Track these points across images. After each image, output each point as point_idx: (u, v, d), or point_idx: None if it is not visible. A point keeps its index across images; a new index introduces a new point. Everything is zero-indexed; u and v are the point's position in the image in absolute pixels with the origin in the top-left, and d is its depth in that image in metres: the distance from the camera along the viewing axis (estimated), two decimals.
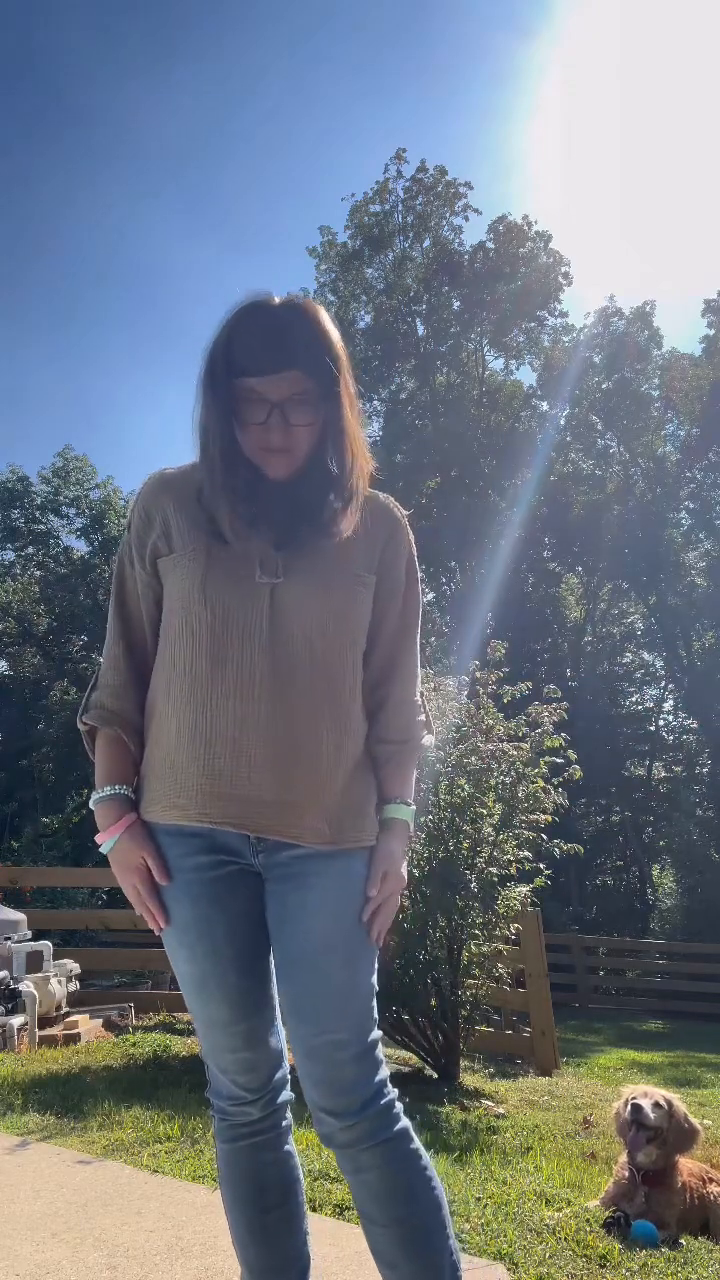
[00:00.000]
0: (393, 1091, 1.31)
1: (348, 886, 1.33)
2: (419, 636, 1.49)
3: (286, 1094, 1.44)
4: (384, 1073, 1.31)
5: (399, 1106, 1.31)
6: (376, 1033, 1.32)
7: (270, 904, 1.34)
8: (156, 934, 1.38)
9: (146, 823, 1.37)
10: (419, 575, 1.49)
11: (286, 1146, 1.44)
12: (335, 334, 1.31)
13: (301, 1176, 1.47)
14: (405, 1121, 1.31)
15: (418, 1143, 1.31)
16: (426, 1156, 1.31)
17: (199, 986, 1.34)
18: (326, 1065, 1.28)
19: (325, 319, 1.31)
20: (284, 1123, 1.44)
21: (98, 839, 1.38)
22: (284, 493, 1.34)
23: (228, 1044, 1.36)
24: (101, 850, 1.38)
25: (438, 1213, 1.28)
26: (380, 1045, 1.33)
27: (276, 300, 1.30)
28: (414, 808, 1.43)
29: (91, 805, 1.41)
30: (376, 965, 1.37)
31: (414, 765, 1.46)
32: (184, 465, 1.43)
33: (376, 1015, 1.33)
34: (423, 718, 1.47)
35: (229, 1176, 1.42)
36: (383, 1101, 1.28)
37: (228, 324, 1.30)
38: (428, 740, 1.48)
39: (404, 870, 1.41)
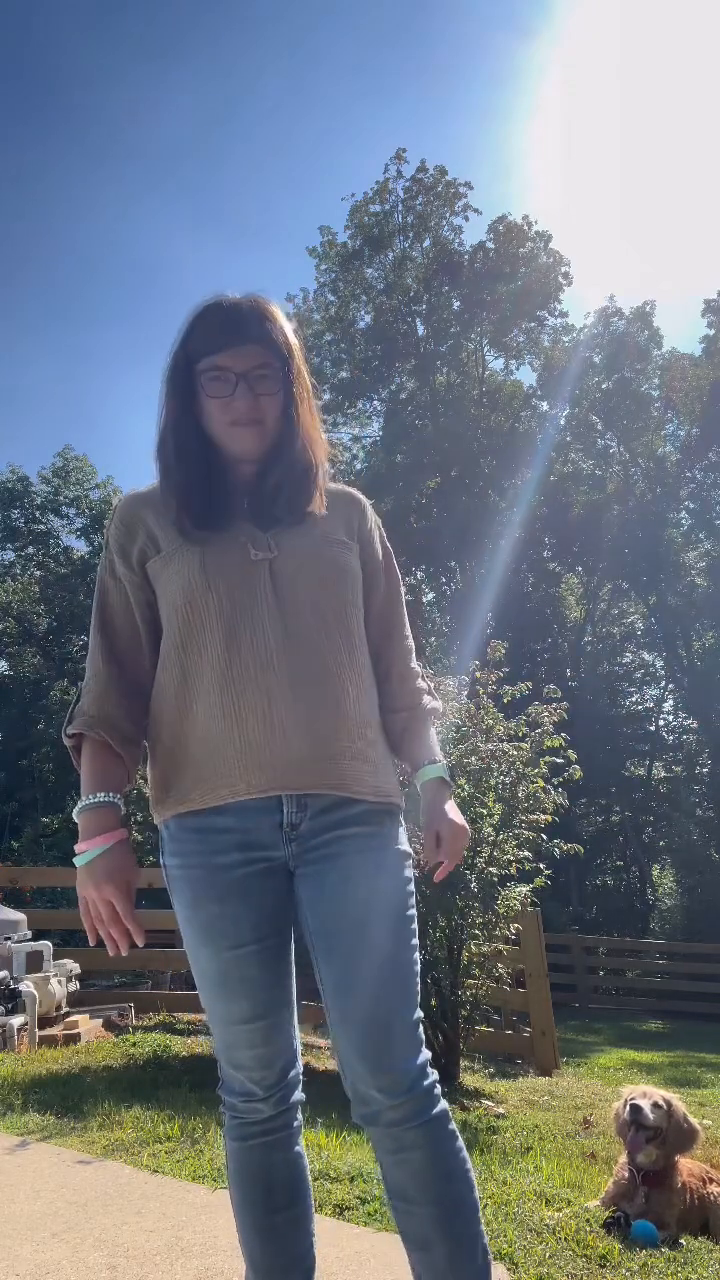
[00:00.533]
0: (434, 1073, 1.31)
1: (387, 859, 1.35)
2: (405, 610, 1.56)
3: (299, 1094, 1.43)
4: (426, 1053, 1.31)
5: (439, 1089, 1.31)
6: (420, 1012, 1.32)
7: (306, 887, 1.34)
8: (113, 954, 1.34)
9: (169, 823, 1.38)
10: (392, 552, 1.56)
11: (297, 1148, 1.43)
12: (287, 324, 1.38)
13: (309, 1179, 1.46)
14: (445, 1104, 1.30)
15: (453, 1123, 1.31)
16: (461, 1140, 1.32)
17: (220, 982, 1.34)
18: (378, 1039, 1.26)
19: (277, 310, 1.38)
20: (295, 1123, 1.43)
21: (79, 847, 1.32)
22: (255, 482, 1.40)
23: (246, 1040, 1.35)
24: (82, 859, 1.31)
25: (472, 1194, 1.29)
26: (422, 1026, 1.33)
27: (235, 295, 1.37)
28: (444, 763, 1.47)
29: (76, 815, 1.36)
30: (418, 944, 1.36)
31: (430, 728, 1.50)
32: (154, 485, 1.47)
33: (419, 994, 1.33)
34: (424, 684, 1.53)
35: (238, 1175, 1.41)
36: (426, 1081, 1.28)
37: (186, 322, 1.37)
38: (434, 704, 1.52)
39: (460, 818, 1.45)
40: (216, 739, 1.33)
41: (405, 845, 1.41)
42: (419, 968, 1.34)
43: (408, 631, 1.54)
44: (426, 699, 1.51)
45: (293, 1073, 1.41)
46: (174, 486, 1.38)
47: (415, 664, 1.54)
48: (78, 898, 1.34)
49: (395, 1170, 1.29)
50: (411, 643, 1.55)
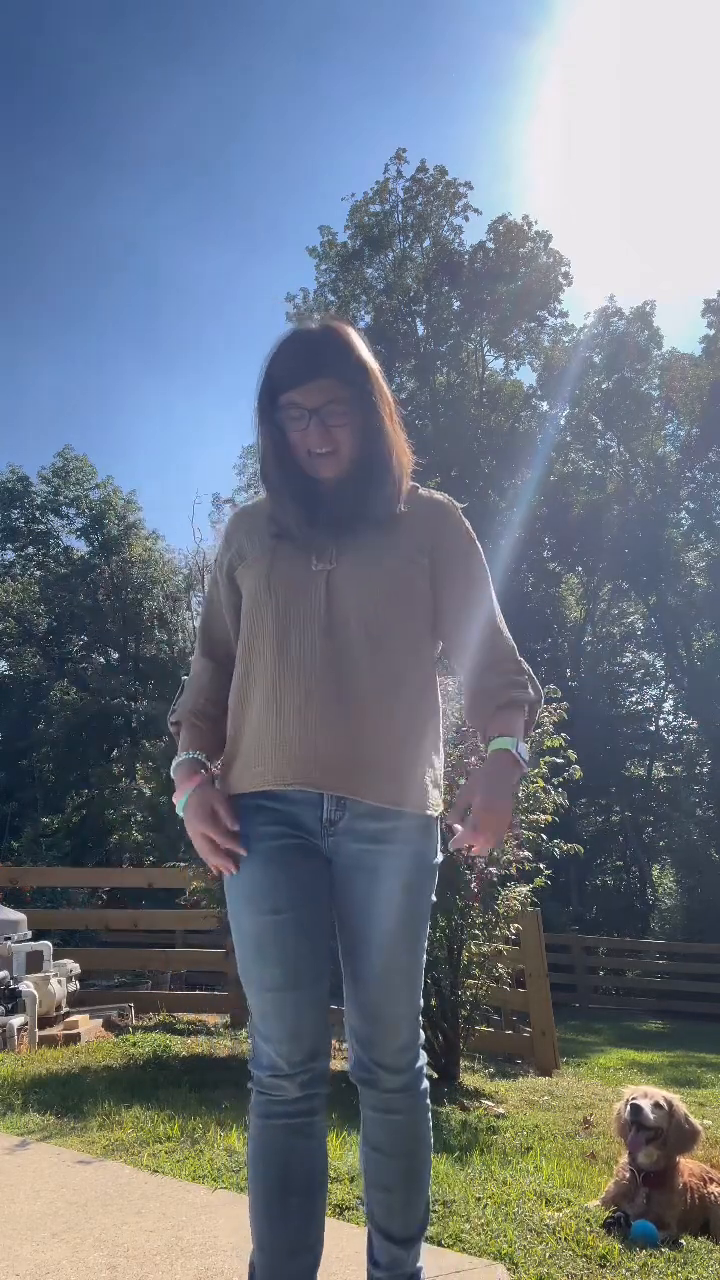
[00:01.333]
0: (424, 1056, 1.56)
1: (412, 874, 1.47)
2: (498, 612, 1.56)
3: (326, 1086, 1.48)
4: (421, 1037, 1.55)
5: (426, 1070, 1.56)
6: (420, 1002, 1.53)
7: (338, 890, 1.48)
8: (231, 871, 1.46)
9: (227, 795, 1.51)
10: (482, 557, 1.59)
11: (319, 1140, 1.48)
12: (363, 346, 1.49)
13: (328, 1175, 1.53)
14: (427, 1082, 1.57)
15: (429, 1100, 1.57)
16: (431, 1113, 1.58)
17: (257, 948, 1.43)
18: (386, 1028, 1.48)
19: (353, 334, 1.49)
20: (318, 1115, 1.47)
21: (174, 798, 1.54)
22: (335, 492, 1.50)
23: (276, 1009, 1.42)
24: (178, 807, 1.52)
25: (429, 1156, 1.57)
26: (419, 1017, 1.54)
27: (312, 324, 1.49)
28: (515, 739, 1.43)
29: (171, 772, 1.58)
30: (425, 944, 1.53)
31: (515, 712, 1.47)
32: (258, 499, 1.66)
33: (423, 986, 1.53)
34: (522, 678, 1.50)
35: (257, 1153, 1.46)
36: (418, 1064, 1.53)
37: (270, 353, 1.49)
38: (522, 695, 1.49)
39: (504, 799, 1.39)
40: (261, 732, 1.46)
41: (437, 857, 1.53)
42: (424, 965, 1.53)
43: (497, 624, 1.54)
44: (517, 689, 1.48)
45: (321, 1059, 1.46)
46: (276, 492, 1.53)
47: (513, 659, 1.52)
48: (191, 838, 1.51)
49: (378, 1127, 1.52)
50: (503, 635, 1.55)
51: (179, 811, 1.52)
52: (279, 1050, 1.42)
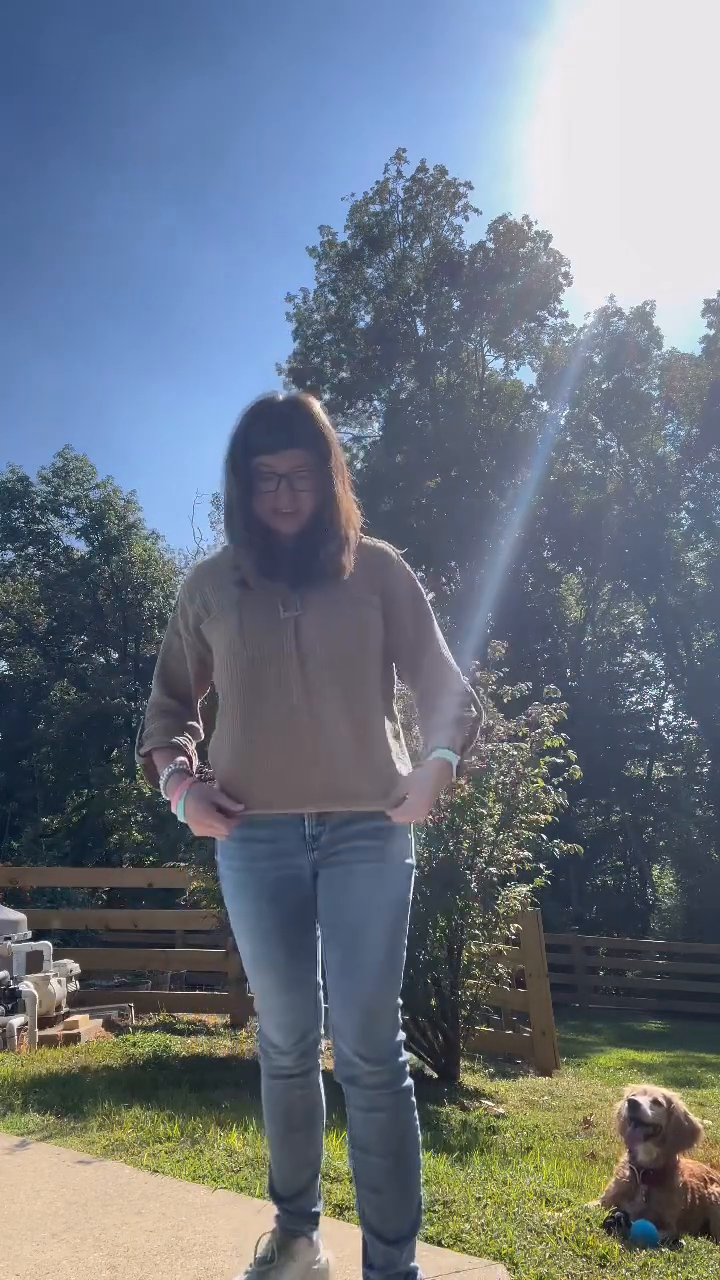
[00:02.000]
0: (406, 1054, 1.65)
1: (388, 869, 1.64)
2: (443, 643, 1.79)
3: (318, 1052, 1.80)
4: (403, 1034, 1.64)
5: (409, 1067, 1.65)
6: (400, 1000, 1.64)
7: (322, 889, 1.67)
8: (237, 810, 1.67)
9: (199, 776, 1.73)
10: (424, 596, 1.81)
11: (314, 1086, 1.81)
12: (327, 421, 1.70)
13: (323, 1107, 1.83)
14: (411, 1081, 1.64)
15: (414, 1099, 1.65)
16: (416, 1112, 1.66)
17: (253, 960, 1.72)
18: (368, 1017, 1.59)
19: (318, 410, 1.70)
20: (313, 1070, 1.80)
21: (173, 806, 1.71)
22: (293, 547, 1.68)
23: (272, 1007, 1.73)
24: (177, 813, 1.70)
25: (418, 1155, 1.65)
26: (400, 1011, 1.65)
27: (280, 397, 1.69)
28: (455, 753, 1.67)
29: (162, 786, 1.74)
30: (407, 941, 1.67)
31: (459, 728, 1.70)
32: (217, 552, 1.85)
33: (401, 984, 1.65)
34: (466, 699, 1.73)
35: (267, 1100, 1.82)
36: (400, 1058, 1.63)
37: (244, 417, 1.67)
38: (467, 714, 1.71)
39: (429, 798, 1.64)
40: (248, 765, 1.65)
41: (411, 858, 1.70)
42: (405, 960, 1.65)
43: (447, 658, 1.77)
44: (461, 708, 1.71)
45: (311, 1035, 1.76)
46: (241, 545, 1.70)
47: (458, 682, 1.75)
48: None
49: (363, 1126, 1.62)
50: (448, 663, 1.77)
51: (180, 818, 1.69)
52: (277, 1035, 1.75)
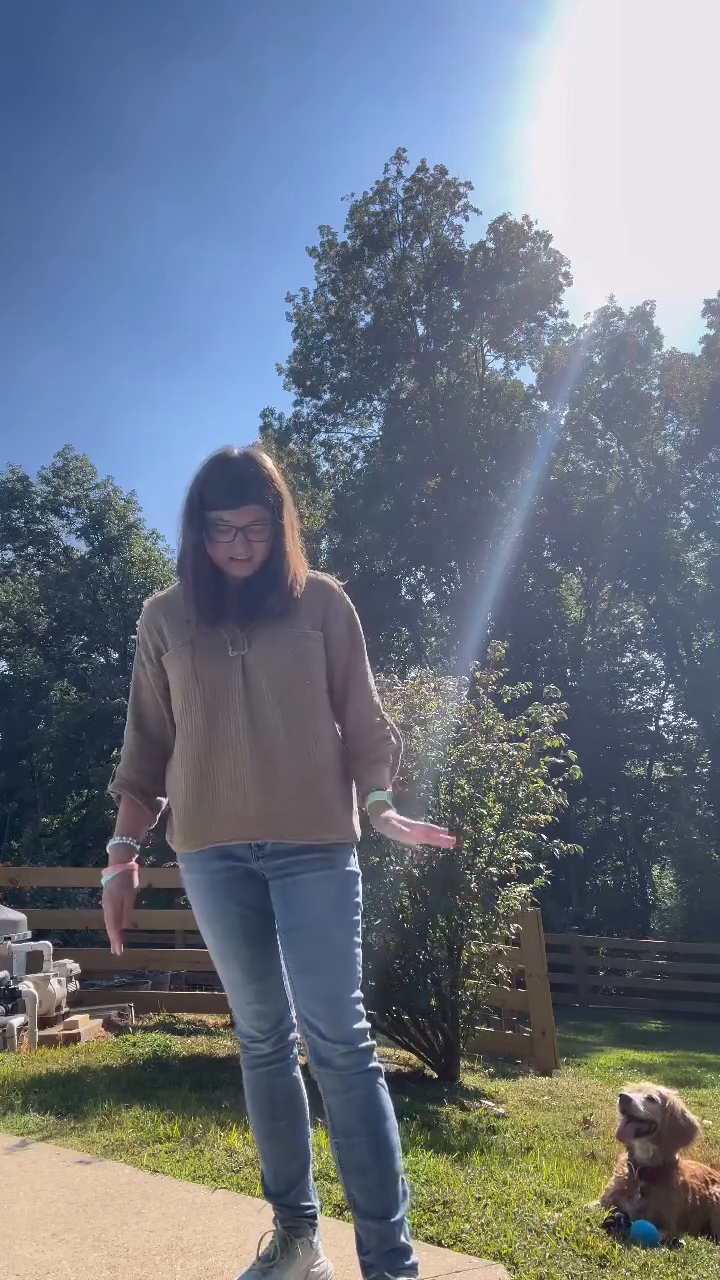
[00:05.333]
0: (371, 1040, 1.73)
1: (335, 876, 1.76)
2: (369, 673, 1.92)
3: (294, 1035, 1.88)
4: (366, 1023, 1.73)
5: (376, 1052, 1.73)
6: (360, 993, 1.73)
7: (274, 895, 1.78)
8: (115, 953, 1.84)
9: (131, 867, 1.85)
10: (359, 625, 1.93)
11: (294, 1073, 1.89)
12: (279, 476, 1.81)
13: (304, 1095, 1.90)
14: (379, 1064, 1.74)
15: (384, 1079, 1.74)
16: (388, 1093, 1.73)
17: (219, 956, 1.83)
18: (332, 1006, 1.69)
19: (272, 466, 1.81)
20: (291, 1056, 1.89)
21: (104, 872, 1.85)
22: (243, 590, 1.83)
23: (243, 998, 1.83)
24: (103, 881, 1.84)
25: (396, 1133, 1.72)
26: (362, 1003, 1.73)
27: (236, 452, 1.79)
28: (386, 790, 1.81)
29: (108, 849, 1.88)
30: (360, 942, 1.76)
31: (383, 767, 1.85)
32: (171, 588, 1.93)
33: (361, 978, 1.73)
34: (385, 732, 1.87)
35: (250, 1093, 1.90)
36: (365, 1043, 1.71)
37: (201, 474, 1.78)
38: (390, 746, 1.87)
39: (405, 824, 1.73)
40: (195, 798, 1.77)
41: (354, 867, 1.80)
42: (361, 958, 1.74)
43: (370, 687, 1.90)
44: (383, 744, 1.86)
45: (286, 1022, 1.86)
46: (188, 592, 1.82)
47: (377, 715, 1.88)
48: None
49: (342, 1108, 1.69)
50: (373, 696, 1.90)
51: (103, 884, 1.84)
52: (251, 1025, 1.85)
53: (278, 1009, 1.85)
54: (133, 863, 1.86)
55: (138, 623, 1.95)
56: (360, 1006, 1.72)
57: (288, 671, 1.78)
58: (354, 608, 1.95)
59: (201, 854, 1.80)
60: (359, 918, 1.77)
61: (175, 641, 1.84)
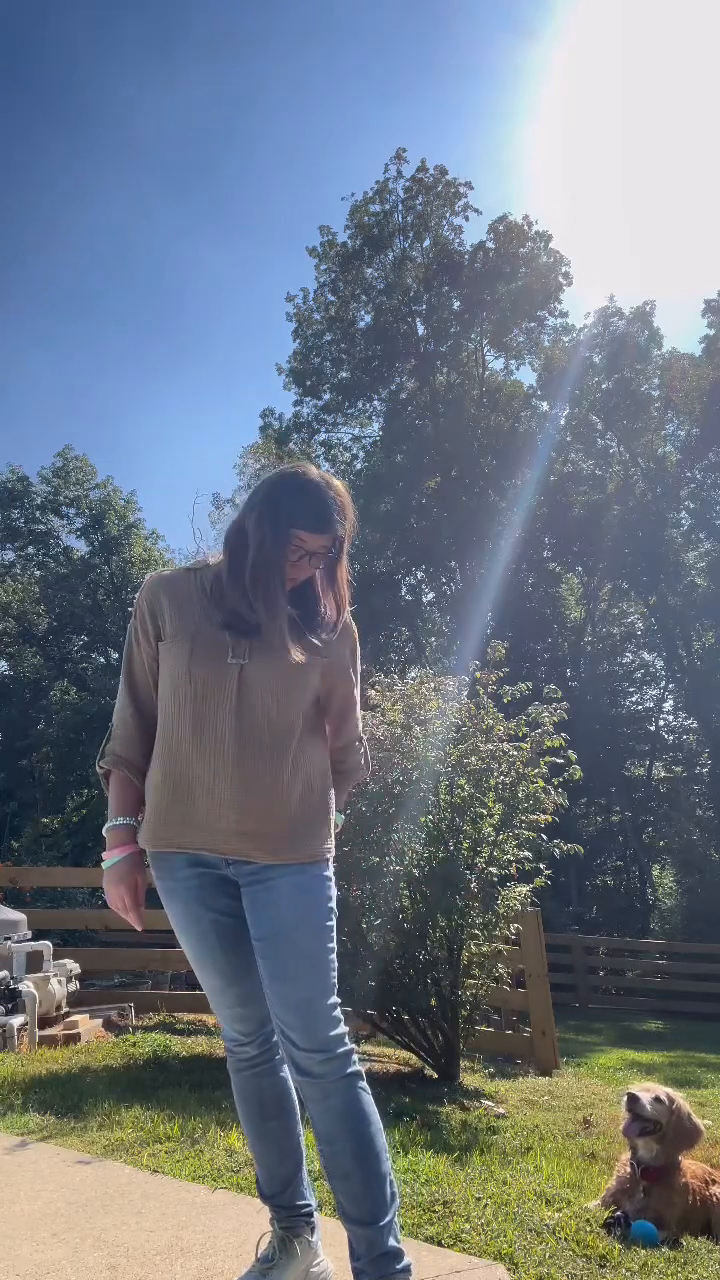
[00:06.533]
0: (351, 1045, 1.71)
1: (309, 884, 1.74)
2: (358, 700, 1.96)
3: (277, 1036, 1.81)
4: (344, 1028, 1.71)
5: (355, 1056, 1.71)
6: (337, 999, 1.71)
7: (245, 903, 1.76)
8: (139, 930, 1.87)
9: (142, 848, 1.82)
10: (359, 654, 1.97)
11: (281, 1073, 1.88)
12: (353, 510, 1.82)
13: (293, 1095, 1.88)
14: (359, 1067, 1.71)
15: (366, 1084, 1.71)
16: (371, 1098, 1.71)
17: (198, 963, 1.83)
18: (305, 1014, 1.67)
19: (350, 502, 1.81)
20: (277, 1057, 1.88)
21: (105, 855, 1.82)
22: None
23: (224, 1002, 1.83)
24: (106, 864, 1.81)
25: (381, 1136, 1.70)
26: (339, 1008, 1.71)
27: (321, 477, 1.79)
28: (345, 813, 1.92)
29: (105, 831, 1.85)
30: (335, 948, 1.74)
31: (349, 787, 1.99)
32: (177, 568, 1.90)
33: (336, 985, 1.72)
34: (362, 757, 1.97)
35: (239, 1096, 1.90)
36: (344, 1047, 1.69)
37: (294, 489, 1.76)
38: (361, 774, 1.99)
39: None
40: (175, 801, 1.74)
41: (327, 872, 1.79)
42: (336, 965, 1.72)
43: (358, 713, 1.95)
44: (358, 771, 1.97)
45: (270, 1024, 1.81)
46: (240, 589, 1.76)
47: (361, 741, 1.96)
48: (105, 892, 1.83)
49: (323, 1115, 1.67)
50: (358, 718, 1.96)
51: (104, 867, 1.81)
52: (235, 1028, 1.85)
53: (260, 1012, 1.82)
54: (136, 844, 1.82)
55: (137, 596, 1.88)
56: (336, 1012, 1.70)
57: (283, 692, 1.75)
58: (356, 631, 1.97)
59: (170, 861, 1.77)
60: (332, 923, 1.75)
61: (174, 630, 1.79)
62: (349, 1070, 1.68)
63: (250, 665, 1.74)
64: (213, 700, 1.72)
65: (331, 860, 1.83)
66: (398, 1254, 1.64)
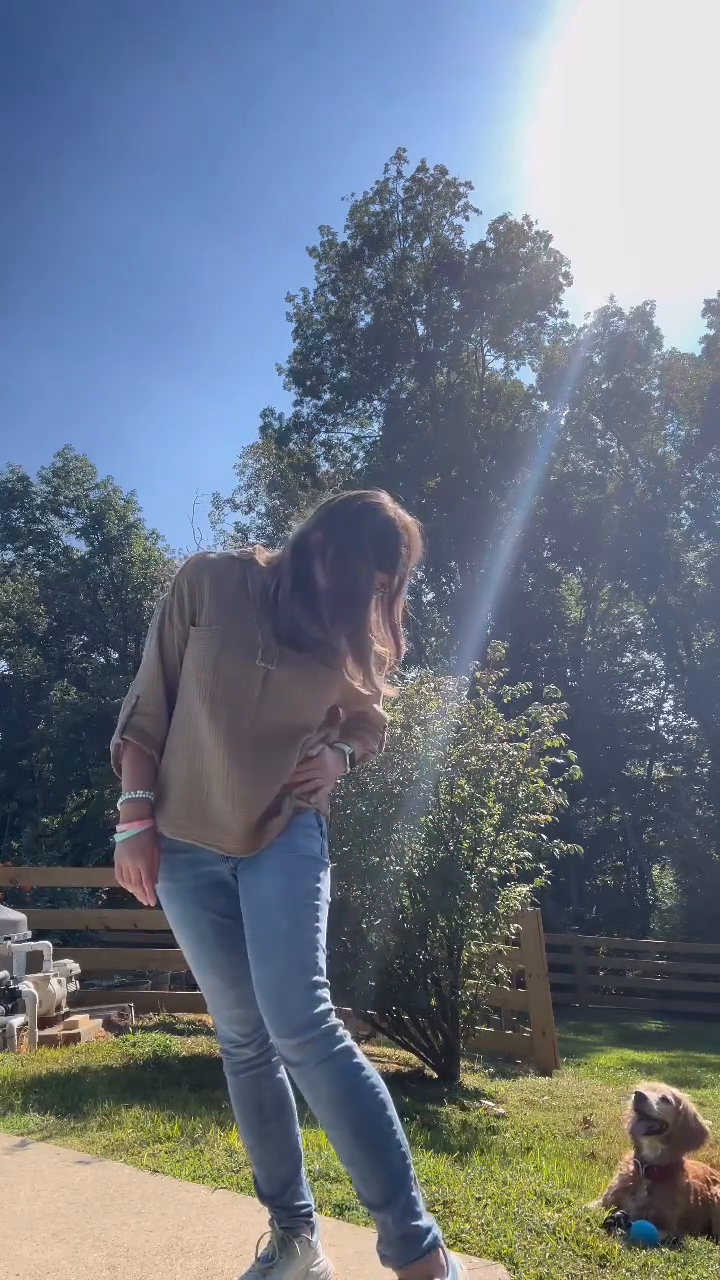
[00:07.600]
0: (336, 1021, 1.60)
1: (289, 858, 1.71)
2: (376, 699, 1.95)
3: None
4: (326, 1006, 1.60)
5: (341, 1032, 1.59)
6: (323, 978, 1.63)
7: (239, 891, 1.75)
8: (148, 904, 1.82)
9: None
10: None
11: (278, 1075, 1.86)
12: (420, 550, 1.79)
13: (291, 1095, 1.86)
14: (348, 1043, 1.59)
15: (360, 1058, 1.60)
16: (370, 1068, 1.60)
17: (195, 964, 1.82)
18: (275, 996, 1.60)
19: (419, 540, 1.77)
20: (274, 1058, 1.85)
21: (120, 827, 1.77)
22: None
23: (223, 1004, 1.82)
24: (120, 837, 1.77)
25: (383, 1111, 1.58)
26: (327, 989, 1.62)
27: (404, 520, 1.74)
28: (353, 752, 1.90)
29: (119, 804, 1.80)
30: (323, 926, 1.69)
31: (365, 743, 1.95)
32: (223, 553, 1.85)
33: (323, 965, 1.64)
34: (380, 737, 2.00)
35: (236, 1099, 1.87)
36: (323, 1026, 1.57)
37: (379, 531, 1.71)
38: (378, 748, 2.00)
39: (335, 770, 1.84)
40: (185, 793, 1.74)
41: (319, 854, 1.77)
42: (322, 943, 1.66)
43: (378, 703, 1.96)
44: (375, 745, 1.98)
45: (266, 1029, 1.72)
46: (303, 607, 1.73)
47: (378, 728, 1.98)
48: (115, 864, 1.79)
49: (315, 1105, 1.59)
50: (380, 710, 1.97)
51: (118, 840, 1.77)
52: (231, 1029, 1.83)
53: (257, 1014, 1.76)
54: (153, 819, 1.78)
55: (178, 574, 1.83)
56: (319, 991, 1.60)
57: (305, 700, 1.76)
58: None
59: (173, 860, 1.77)
60: (319, 901, 1.69)
61: (210, 617, 1.76)
62: (330, 1051, 1.56)
63: (278, 672, 1.72)
64: (235, 698, 1.71)
65: (323, 817, 1.82)
66: (418, 1234, 1.55)
